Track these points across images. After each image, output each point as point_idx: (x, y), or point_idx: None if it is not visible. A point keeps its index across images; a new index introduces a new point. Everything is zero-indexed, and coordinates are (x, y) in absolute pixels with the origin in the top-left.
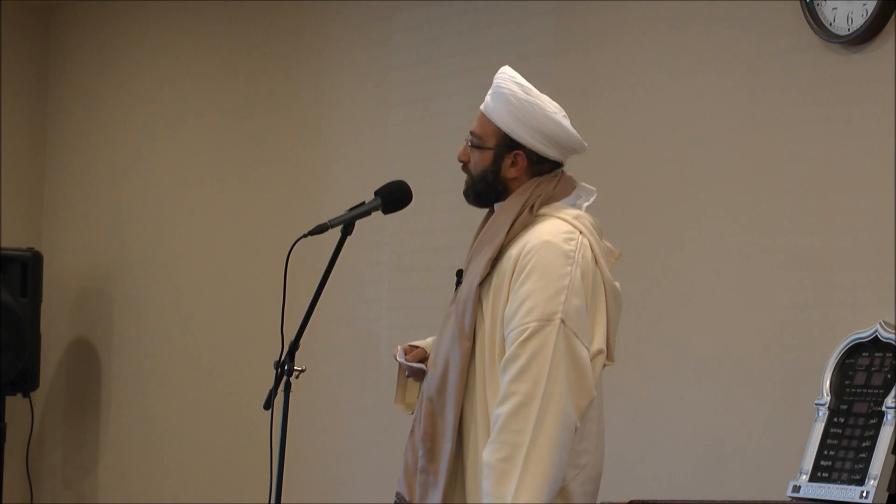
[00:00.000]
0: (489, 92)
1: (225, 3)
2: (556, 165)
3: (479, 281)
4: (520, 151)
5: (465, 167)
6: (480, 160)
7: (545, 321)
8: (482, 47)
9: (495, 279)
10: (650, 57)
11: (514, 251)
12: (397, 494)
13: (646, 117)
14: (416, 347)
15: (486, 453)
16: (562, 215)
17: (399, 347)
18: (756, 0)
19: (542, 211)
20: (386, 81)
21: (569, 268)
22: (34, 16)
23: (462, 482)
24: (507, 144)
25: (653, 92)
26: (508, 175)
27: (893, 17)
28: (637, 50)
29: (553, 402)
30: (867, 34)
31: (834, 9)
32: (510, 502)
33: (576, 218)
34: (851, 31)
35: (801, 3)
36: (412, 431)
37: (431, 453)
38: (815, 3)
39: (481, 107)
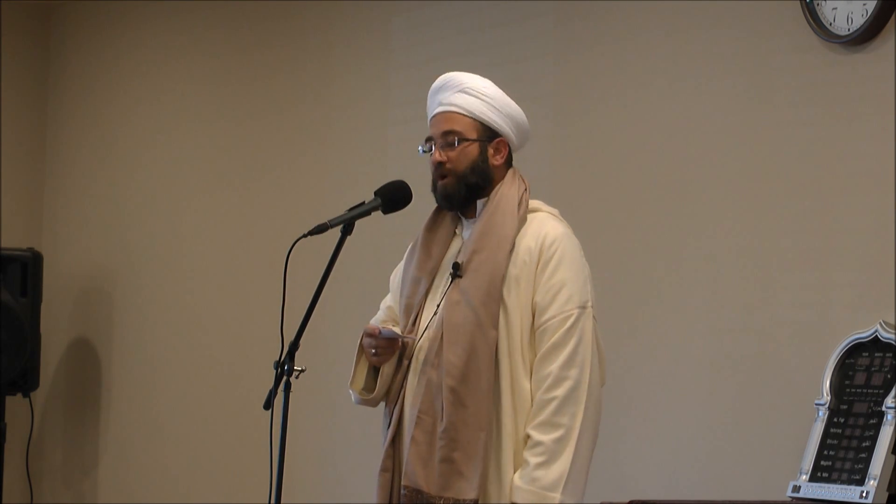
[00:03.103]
0: (445, 95)
1: (226, 4)
2: (511, 155)
3: (503, 272)
4: (501, 139)
5: (441, 169)
6: (465, 154)
7: (583, 308)
8: (482, 47)
9: (513, 270)
10: (650, 57)
11: (529, 243)
12: (406, 488)
13: (646, 117)
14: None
15: (537, 432)
16: (550, 211)
17: (373, 324)
18: (756, 0)
19: (530, 206)
20: (386, 82)
21: (584, 260)
22: (34, 16)
23: (484, 471)
24: (489, 135)
25: (653, 92)
26: (495, 163)
27: (893, 17)
28: (637, 50)
29: (594, 388)
30: (867, 34)
31: (834, 9)
32: (562, 488)
33: (559, 215)
34: (851, 31)
35: (801, 3)
36: (418, 422)
37: (455, 443)
38: (815, 3)
39: (444, 109)
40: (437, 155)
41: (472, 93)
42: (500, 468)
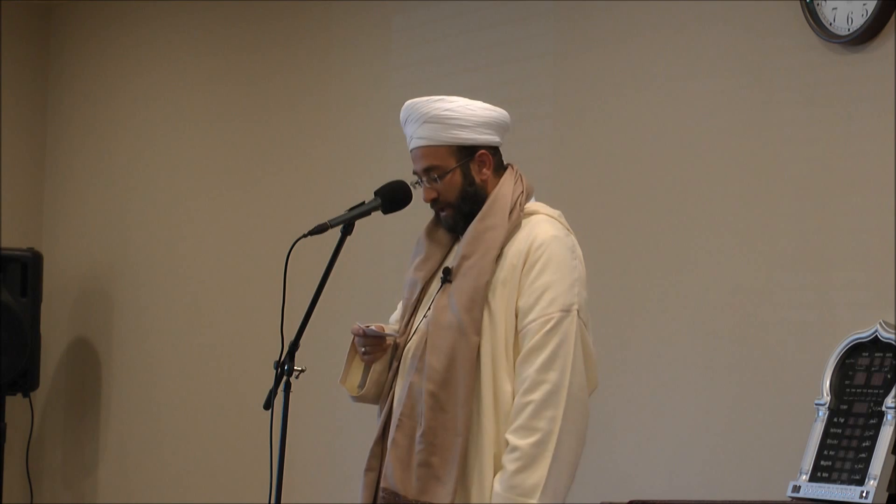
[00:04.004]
0: (413, 128)
1: (226, 4)
2: (500, 152)
3: (488, 278)
4: (481, 152)
5: (435, 204)
6: (451, 184)
7: (566, 311)
8: (482, 47)
9: (501, 274)
10: (650, 57)
11: (520, 246)
12: (385, 490)
13: (645, 117)
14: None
15: (514, 437)
16: (548, 213)
17: (358, 324)
18: (756, 0)
19: (528, 209)
20: (386, 82)
21: (575, 262)
22: (34, 16)
23: (465, 477)
24: (467, 153)
25: (653, 91)
26: (482, 178)
27: (893, 17)
28: (637, 50)
29: (576, 392)
30: (867, 34)
31: (834, 9)
32: (540, 494)
33: (560, 216)
34: (851, 31)
35: (801, 3)
36: (399, 425)
37: (433, 447)
38: (815, 3)
39: (417, 144)
40: (426, 193)
41: (435, 120)
42: (481, 471)
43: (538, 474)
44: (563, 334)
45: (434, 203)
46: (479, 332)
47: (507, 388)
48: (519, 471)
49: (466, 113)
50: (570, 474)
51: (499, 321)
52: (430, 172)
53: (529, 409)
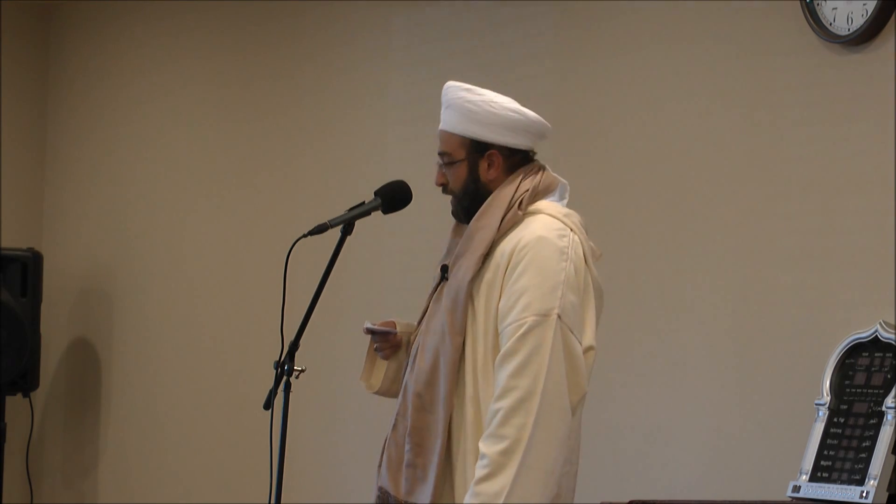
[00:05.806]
0: (442, 109)
1: (225, 4)
2: (527, 155)
3: (470, 277)
4: (492, 151)
5: (445, 189)
6: (457, 175)
7: (543, 316)
8: (482, 48)
9: (487, 275)
10: (650, 57)
11: (506, 246)
12: (380, 489)
13: (645, 117)
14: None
15: (483, 445)
16: (552, 212)
17: (368, 322)
18: (756, 0)
19: (532, 207)
20: (386, 82)
21: (563, 264)
22: (34, 16)
23: (451, 478)
24: (477, 149)
25: (652, 92)
26: (488, 178)
27: (893, 17)
28: (637, 50)
29: (553, 398)
30: (867, 34)
31: (834, 9)
32: (504, 501)
33: (566, 216)
34: (851, 31)
35: (801, 4)
36: (395, 426)
37: (419, 448)
38: (815, 3)
39: (440, 127)
40: (437, 176)
41: (457, 109)
42: (465, 472)
43: (502, 481)
44: (537, 339)
45: (443, 189)
46: (460, 333)
47: (486, 390)
48: (484, 478)
49: (486, 110)
50: (546, 483)
51: (480, 322)
52: (442, 156)
53: (499, 417)
